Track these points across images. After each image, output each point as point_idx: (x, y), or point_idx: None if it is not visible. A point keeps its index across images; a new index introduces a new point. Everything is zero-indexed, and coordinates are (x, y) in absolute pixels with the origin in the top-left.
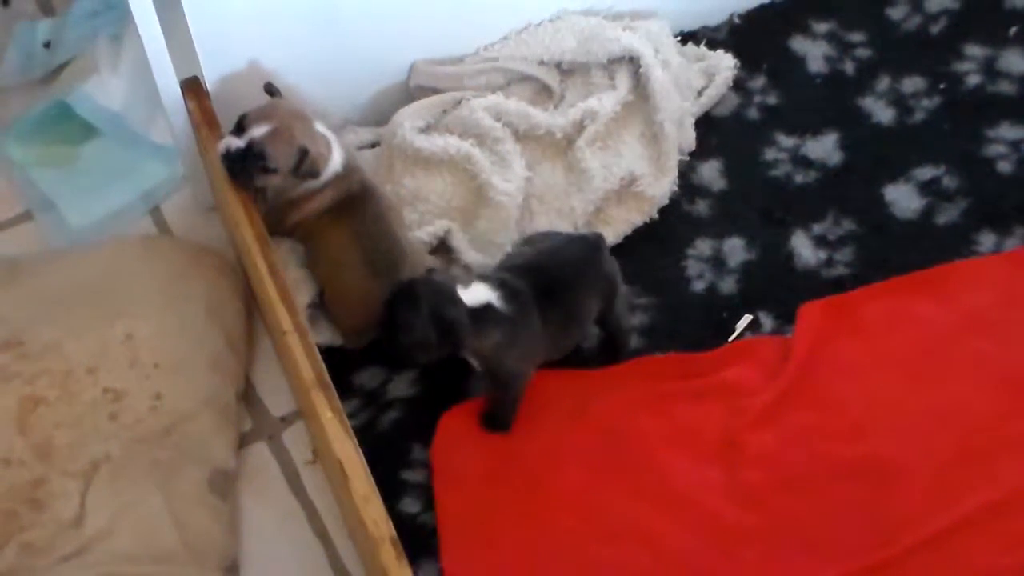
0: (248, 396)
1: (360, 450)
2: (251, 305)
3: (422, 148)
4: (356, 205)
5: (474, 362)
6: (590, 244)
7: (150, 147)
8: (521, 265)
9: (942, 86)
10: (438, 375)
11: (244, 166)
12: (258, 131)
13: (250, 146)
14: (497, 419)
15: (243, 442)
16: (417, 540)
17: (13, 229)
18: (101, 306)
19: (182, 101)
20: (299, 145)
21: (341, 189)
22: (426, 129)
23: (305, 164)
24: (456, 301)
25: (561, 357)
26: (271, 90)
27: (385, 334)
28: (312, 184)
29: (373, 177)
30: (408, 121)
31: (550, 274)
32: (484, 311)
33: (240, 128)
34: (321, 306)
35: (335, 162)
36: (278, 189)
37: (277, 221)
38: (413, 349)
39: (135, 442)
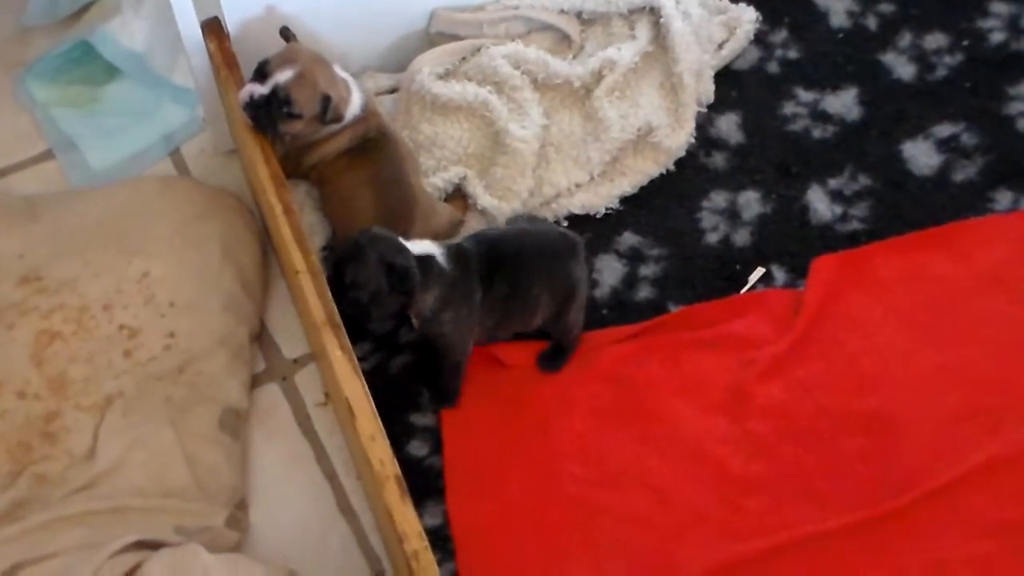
0: (262, 337)
1: (368, 390)
2: (267, 248)
3: (440, 94)
4: (372, 149)
5: (415, 322)
6: (566, 241)
7: (171, 89)
8: (485, 236)
9: (965, 43)
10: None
11: (268, 112)
12: (282, 77)
13: (274, 92)
14: (440, 392)
15: (256, 382)
16: (424, 482)
17: (34, 168)
18: (118, 244)
19: (203, 42)
20: (322, 92)
21: (358, 132)
22: (444, 76)
23: (329, 111)
24: (403, 248)
25: (497, 337)
26: (287, 35)
27: (339, 298)
28: (332, 127)
29: (391, 123)
30: (427, 67)
31: (507, 249)
32: (426, 263)
33: (262, 74)
34: (334, 249)
35: (354, 105)
36: (300, 134)
37: (294, 164)
38: (367, 304)
39: (148, 379)
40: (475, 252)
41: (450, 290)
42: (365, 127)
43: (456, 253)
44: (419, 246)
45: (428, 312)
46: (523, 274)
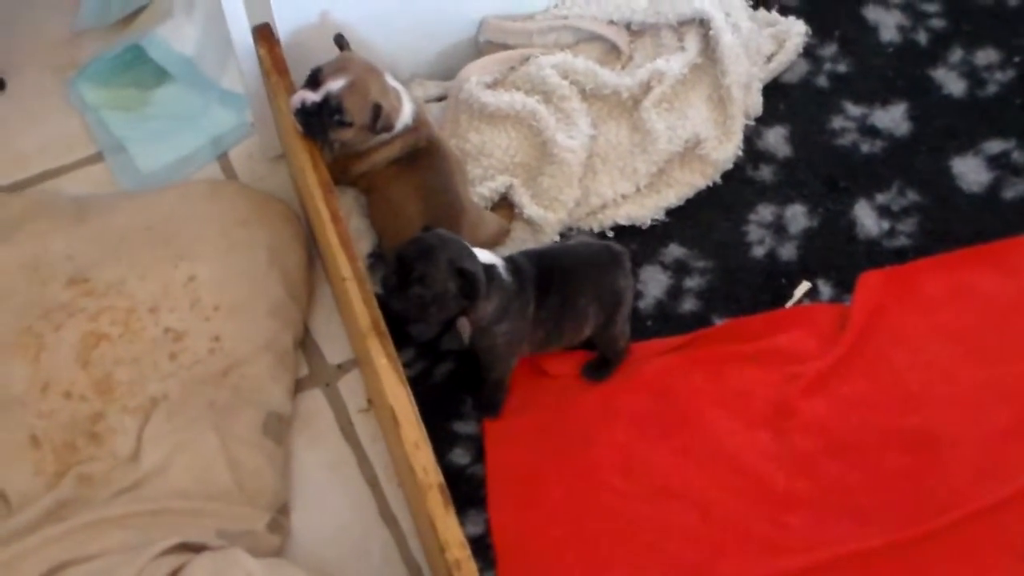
0: (306, 343)
1: (412, 398)
2: (313, 253)
3: (488, 103)
4: (421, 159)
5: (463, 331)
6: (610, 252)
7: (220, 93)
8: (533, 252)
9: (1016, 59)
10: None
11: (319, 119)
12: (335, 85)
13: (327, 100)
14: (484, 403)
15: (299, 388)
16: (466, 491)
17: (84, 170)
18: (165, 247)
19: (253, 48)
20: (374, 101)
21: (408, 142)
22: (493, 85)
23: (380, 120)
24: (472, 254)
25: (545, 352)
26: (341, 43)
27: (396, 290)
28: (382, 136)
29: (440, 132)
30: (475, 76)
31: (557, 263)
32: (489, 272)
33: (315, 82)
34: (381, 256)
35: (405, 115)
36: (350, 142)
37: (342, 171)
38: (430, 304)
39: (193, 382)
40: (528, 265)
41: (508, 302)
42: (416, 137)
43: (514, 266)
44: (483, 255)
45: (484, 322)
46: (572, 286)
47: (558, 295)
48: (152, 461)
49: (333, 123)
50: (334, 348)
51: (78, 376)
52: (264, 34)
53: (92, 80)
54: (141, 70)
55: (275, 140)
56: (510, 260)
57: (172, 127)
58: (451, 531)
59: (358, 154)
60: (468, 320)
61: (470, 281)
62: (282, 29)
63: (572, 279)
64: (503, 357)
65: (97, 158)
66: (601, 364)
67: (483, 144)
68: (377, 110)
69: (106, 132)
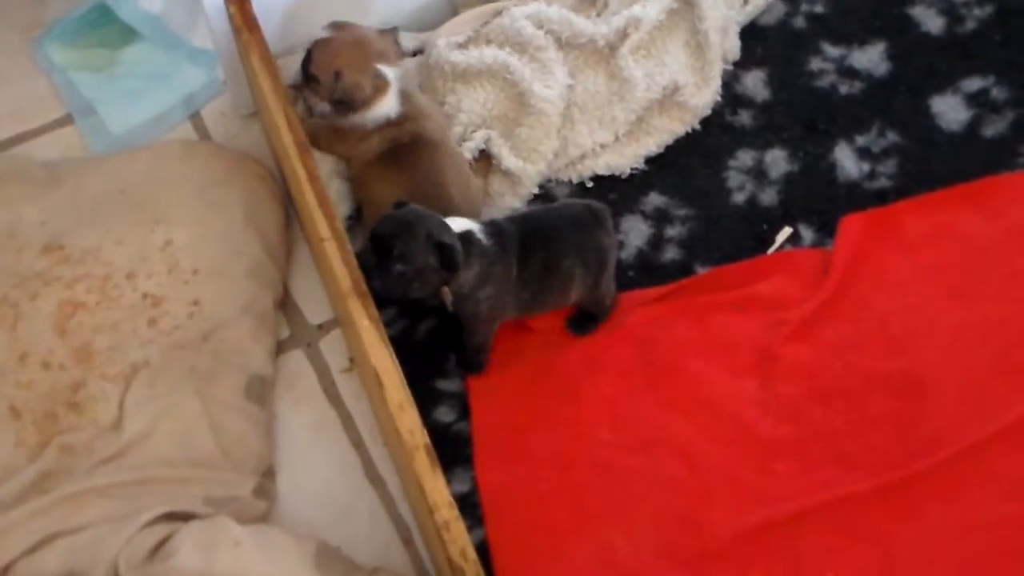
0: (286, 303)
1: (396, 359)
2: (290, 212)
3: (458, 62)
4: (405, 157)
5: (446, 297)
6: (592, 211)
7: (190, 51)
8: (515, 215)
9: None
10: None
11: (303, 65)
12: (320, 34)
13: (308, 49)
14: (466, 363)
15: (280, 349)
16: (451, 449)
17: (54, 133)
18: (141, 211)
19: (223, 5)
20: (338, 67)
21: (388, 137)
22: (466, 43)
23: (338, 89)
24: (448, 227)
25: (532, 315)
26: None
27: (377, 269)
28: (356, 121)
29: (437, 126)
30: (442, 39)
31: (539, 225)
32: (465, 240)
33: None
34: (359, 219)
35: (384, 106)
36: (323, 111)
37: (327, 146)
38: (414, 279)
39: (173, 348)
40: (510, 228)
41: (489, 266)
42: (397, 131)
43: (493, 229)
44: (457, 223)
45: (465, 289)
46: (555, 247)
47: (541, 255)
48: (135, 429)
49: (307, 74)
50: (314, 308)
51: (56, 345)
52: None
53: (59, 40)
54: (109, 29)
55: (247, 98)
56: (491, 223)
57: (142, 87)
58: (439, 493)
59: (337, 133)
60: (448, 289)
61: (448, 254)
62: None
63: (555, 240)
64: (486, 322)
65: (67, 120)
66: (586, 318)
67: (459, 103)
68: (337, 76)
69: (75, 93)
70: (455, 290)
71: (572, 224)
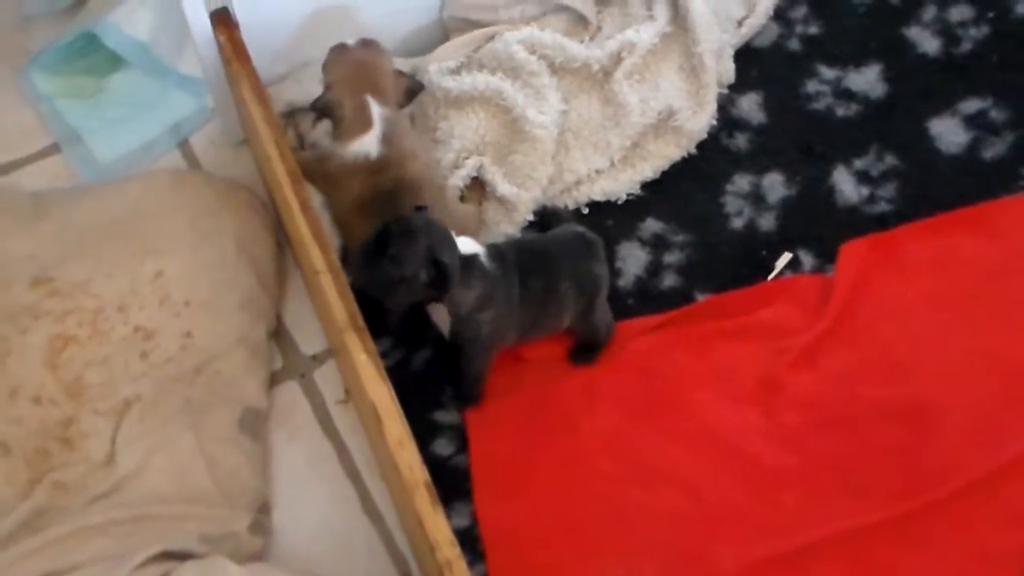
0: (279, 333)
1: (394, 393)
2: (282, 242)
3: (451, 88)
4: (387, 204)
5: (441, 323)
6: (584, 240)
7: (178, 78)
8: (512, 241)
9: (990, 15)
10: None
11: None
12: (347, 43)
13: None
14: (462, 395)
15: (274, 380)
16: (450, 482)
17: (40, 163)
18: (131, 243)
19: (212, 33)
20: (332, 78)
21: (369, 185)
22: (457, 69)
23: (320, 100)
24: (453, 245)
25: (529, 340)
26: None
27: (370, 264)
28: (338, 152)
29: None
30: (433, 65)
31: (535, 249)
32: (470, 262)
33: None
34: (346, 261)
35: (365, 144)
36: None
37: (310, 179)
38: (399, 285)
39: (166, 381)
40: (510, 252)
41: (493, 288)
42: (379, 179)
43: (495, 251)
44: (465, 244)
45: (465, 311)
46: (552, 271)
47: (541, 279)
48: (128, 465)
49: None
50: (308, 338)
51: (47, 380)
52: (223, 19)
53: (44, 69)
54: (95, 57)
55: (237, 126)
56: (492, 247)
57: (130, 114)
58: (440, 531)
59: (323, 168)
60: (447, 311)
61: (442, 273)
62: (241, 10)
63: (552, 264)
64: (487, 347)
65: (54, 149)
66: (587, 347)
67: (452, 129)
68: (327, 87)
69: (61, 122)
70: (453, 311)
71: (566, 250)
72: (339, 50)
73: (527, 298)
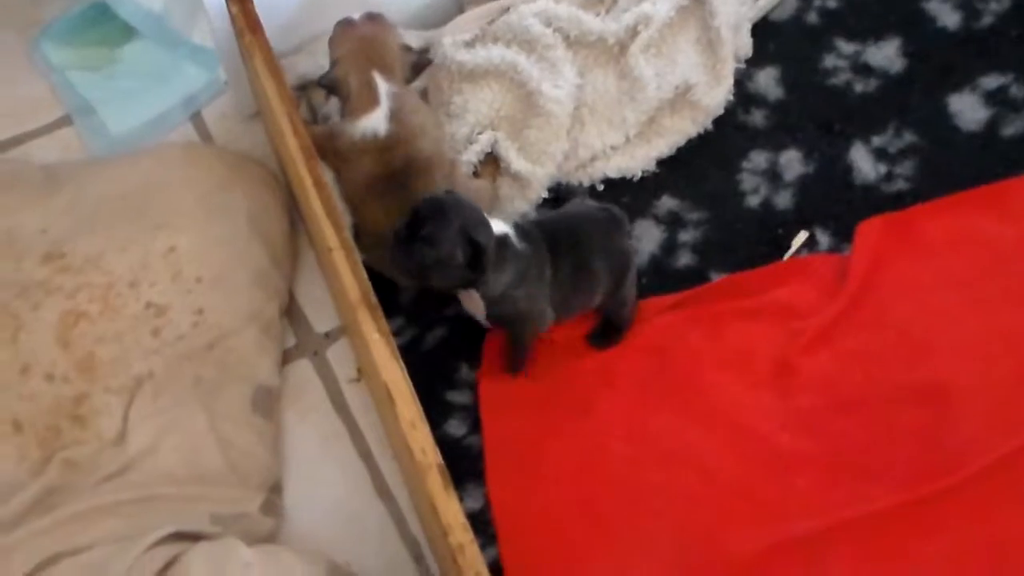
0: (291, 311)
1: (407, 374)
2: (295, 218)
3: (465, 62)
4: (397, 181)
5: (475, 309)
6: (612, 215)
7: (191, 49)
8: (537, 219)
9: None
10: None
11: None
12: (352, 17)
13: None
14: (508, 362)
15: (286, 358)
16: (463, 464)
17: (52, 134)
18: (143, 218)
19: (225, 4)
20: (338, 54)
21: (379, 161)
22: (471, 42)
23: (326, 76)
24: (487, 223)
25: (564, 319)
26: None
27: (403, 248)
28: (348, 130)
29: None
30: (448, 38)
31: (563, 226)
32: (501, 242)
33: None
34: (358, 238)
35: (372, 121)
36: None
37: (321, 154)
38: (433, 266)
39: (178, 358)
40: (536, 230)
41: (526, 268)
42: (389, 156)
43: (525, 233)
44: (496, 224)
45: (498, 293)
46: (582, 247)
47: (570, 256)
48: (139, 443)
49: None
50: (320, 315)
51: (59, 357)
52: None
53: (56, 39)
54: (107, 27)
55: (250, 98)
56: (519, 226)
57: (142, 86)
58: (453, 514)
59: (334, 144)
60: (480, 295)
61: (478, 253)
62: None
63: (582, 240)
64: (528, 318)
65: (65, 121)
66: (607, 330)
67: (466, 103)
68: (333, 63)
69: (73, 93)
70: (486, 294)
71: (595, 226)
72: (344, 25)
73: (559, 276)
